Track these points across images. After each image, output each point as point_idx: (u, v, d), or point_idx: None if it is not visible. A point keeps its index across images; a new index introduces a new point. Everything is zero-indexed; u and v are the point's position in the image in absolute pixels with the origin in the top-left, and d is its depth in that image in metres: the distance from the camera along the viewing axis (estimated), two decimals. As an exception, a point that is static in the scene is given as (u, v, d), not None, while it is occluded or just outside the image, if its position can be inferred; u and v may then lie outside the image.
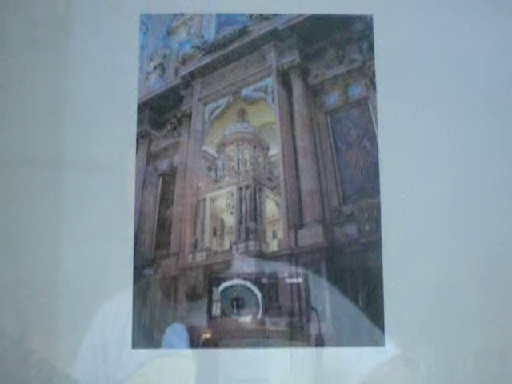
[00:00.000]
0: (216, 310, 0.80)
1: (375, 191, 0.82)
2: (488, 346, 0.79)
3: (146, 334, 0.79)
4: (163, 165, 0.88)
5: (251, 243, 0.82)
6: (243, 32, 0.89)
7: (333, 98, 0.87)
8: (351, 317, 0.79)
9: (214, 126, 0.89)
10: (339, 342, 0.79)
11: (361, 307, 0.79)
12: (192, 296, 0.81)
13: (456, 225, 0.82)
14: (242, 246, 0.82)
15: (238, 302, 0.80)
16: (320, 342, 0.78)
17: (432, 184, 0.83)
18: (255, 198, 0.85)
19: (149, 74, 0.88)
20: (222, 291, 0.80)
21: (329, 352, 0.78)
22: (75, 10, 0.86)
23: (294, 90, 0.87)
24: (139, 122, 0.85)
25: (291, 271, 0.81)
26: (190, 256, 0.83)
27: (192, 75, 0.90)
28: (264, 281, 0.80)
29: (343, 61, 0.86)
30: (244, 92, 0.88)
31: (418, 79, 0.85)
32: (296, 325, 0.79)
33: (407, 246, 0.81)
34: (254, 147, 0.88)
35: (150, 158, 0.87)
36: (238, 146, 0.89)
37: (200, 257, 0.83)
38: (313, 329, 0.79)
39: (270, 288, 0.80)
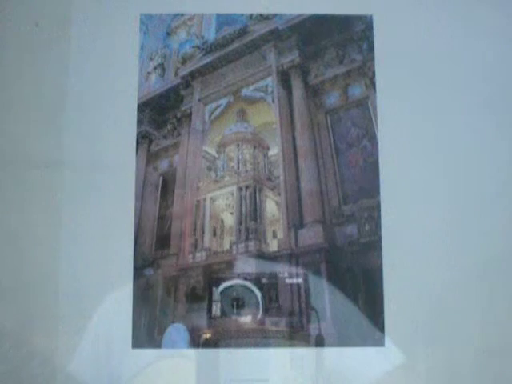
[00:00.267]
0: (216, 310, 0.80)
1: (375, 191, 0.82)
2: (488, 345, 0.79)
3: (146, 334, 0.79)
4: (163, 165, 0.88)
5: (251, 243, 0.82)
6: (243, 32, 0.89)
7: (333, 98, 0.87)
8: (351, 317, 0.79)
9: (213, 126, 0.89)
10: (339, 342, 0.79)
11: (361, 307, 0.79)
12: (192, 296, 0.81)
13: (456, 225, 0.82)
14: (241, 246, 0.82)
15: (237, 302, 0.80)
16: (320, 342, 0.78)
17: (432, 184, 0.83)
18: (255, 198, 0.85)
19: (149, 74, 0.88)
20: (222, 291, 0.80)
21: (329, 352, 0.78)
22: (75, 10, 0.86)
23: (293, 90, 0.87)
24: (139, 122, 0.85)
25: (291, 271, 0.81)
26: (190, 256, 0.83)
27: (192, 75, 0.90)
28: (264, 281, 0.80)
29: (343, 61, 0.86)
30: (244, 92, 0.88)
31: (418, 79, 0.85)
32: (296, 325, 0.79)
33: (407, 246, 0.81)
34: (254, 147, 0.88)
35: (149, 158, 0.87)
36: (238, 146, 0.89)
37: (200, 257, 0.83)
38: (313, 329, 0.79)
39: (270, 288, 0.80)
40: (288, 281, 0.80)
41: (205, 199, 0.86)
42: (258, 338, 0.79)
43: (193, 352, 0.79)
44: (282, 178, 0.84)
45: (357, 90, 0.86)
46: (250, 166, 0.88)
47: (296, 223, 0.83)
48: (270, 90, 0.88)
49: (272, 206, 0.85)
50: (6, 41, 0.85)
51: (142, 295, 0.80)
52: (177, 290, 0.81)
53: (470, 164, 0.83)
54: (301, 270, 0.80)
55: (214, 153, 0.88)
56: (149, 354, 0.79)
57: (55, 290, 0.79)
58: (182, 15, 0.88)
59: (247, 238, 0.83)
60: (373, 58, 0.85)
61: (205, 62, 0.90)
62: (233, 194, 0.87)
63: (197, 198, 0.86)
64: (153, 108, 0.86)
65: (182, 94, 0.89)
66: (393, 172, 0.83)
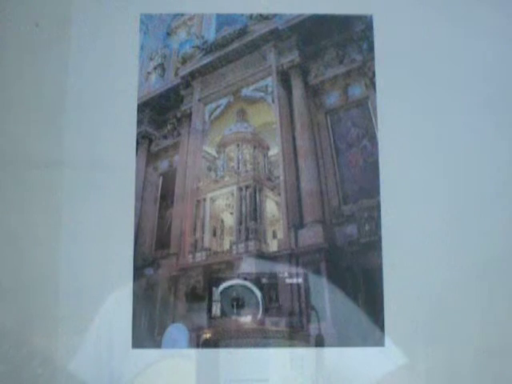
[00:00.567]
0: (216, 310, 0.80)
1: (375, 191, 0.82)
2: (488, 345, 0.79)
3: (146, 334, 0.79)
4: (163, 165, 0.88)
5: (251, 243, 0.82)
6: (243, 32, 0.89)
7: (333, 98, 0.87)
8: (351, 317, 0.79)
9: (213, 126, 0.89)
10: (339, 342, 0.79)
11: (361, 307, 0.79)
12: (192, 296, 0.81)
13: (456, 225, 0.82)
14: (241, 246, 0.82)
15: (237, 302, 0.80)
16: (320, 342, 0.78)
17: (432, 184, 0.83)
18: (255, 198, 0.85)
19: (149, 74, 0.88)
20: (222, 291, 0.80)
21: (329, 352, 0.78)
22: (75, 10, 0.86)
23: (293, 90, 0.87)
24: (139, 122, 0.85)
25: (291, 271, 0.81)
26: (190, 256, 0.83)
27: (192, 75, 0.90)
28: (264, 281, 0.80)
29: (343, 61, 0.86)
30: (244, 92, 0.88)
31: (418, 79, 0.85)
32: (296, 325, 0.79)
33: (407, 246, 0.81)
34: (254, 147, 0.88)
35: (149, 158, 0.87)
36: (238, 146, 0.89)
37: (200, 257, 0.83)
38: (313, 329, 0.79)
39: (270, 288, 0.80)
40: (288, 281, 0.80)
41: (205, 199, 0.86)
42: (258, 338, 0.79)
43: (193, 352, 0.79)
44: (281, 178, 0.84)
45: (357, 90, 0.86)
46: (250, 166, 0.88)
47: (296, 223, 0.83)
48: (269, 89, 0.88)
49: (272, 206, 0.85)
50: (6, 41, 0.85)
51: (142, 295, 0.80)
52: (177, 290, 0.81)
53: (470, 164, 0.83)
54: (301, 270, 0.80)
55: (214, 153, 0.88)
56: (149, 353, 0.79)
57: (55, 290, 0.79)
58: (182, 15, 0.88)
59: (247, 238, 0.83)
60: (373, 58, 0.85)
61: (205, 62, 0.90)
62: (233, 194, 0.87)
63: (197, 198, 0.86)
64: (153, 108, 0.86)
65: (182, 94, 0.89)
66: (393, 172, 0.83)
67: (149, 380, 0.79)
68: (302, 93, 0.87)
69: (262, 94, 0.88)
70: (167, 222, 0.85)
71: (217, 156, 0.88)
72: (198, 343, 0.79)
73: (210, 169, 0.88)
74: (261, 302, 0.80)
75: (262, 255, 0.82)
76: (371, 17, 0.86)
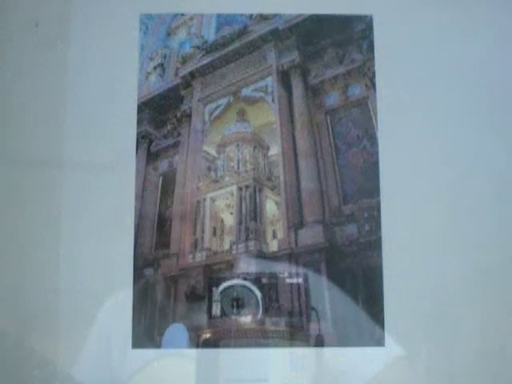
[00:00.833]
0: (216, 310, 0.80)
1: (375, 191, 0.82)
2: (488, 345, 0.79)
3: (146, 334, 0.79)
4: (163, 165, 0.88)
5: (251, 243, 0.82)
6: (243, 32, 0.89)
7: (333, 98, 0.87)
8: (351, 317, 0.79)
9: (213, 126, 0.89)
10: (339, 342, 0.79)
11: (361, 307, 0.79)
12: (192, 296, 0.80)
13: (456, 224, 0.82)
14: (241, 246, 0.82)
15: (237, 302, 0.80)
16: (320, 342, 0.78)
17: (432, 184, 0.83)
18: (255, 198, 0.85)
19: (149, 74, 0.88)
20: (222, 291, 0.80)
21: (328, 352, 0.78)
22: (75, 10, 0.86)
23: (293, 90, 0.87)
24: (139, 121, 0.85)
25: (291, 271, 0.81)
26: (190, 256, 0.83)
27: (192, 75, 0.90)
28: (264, 281, 0.80)
29: (343, 61, 0.86)
30: (244, 92, 0.88)
31: (418, 79, 0.85)
32: (296, 325, 0.79)
33: (407, 246, 0.81)
34: (254, 147, 0.88)
35: (149, 158, 0.87)
36: (237, 146, 0.89)
37: (200, 257, 0.83)
38: (313, 329, 0.79)
39: (270, 288, 0.80)
40: (288, 281, 0.80)
41: (205, 199, 0.86)
42: (258, 338, 0.79)
43: (193, 352, 0.79)
44: (281, 178, 0.84)
45: (357, 90, 0.86)
46: (250, 166, 0.88)
47: (296, 223, 0.83)
48: (269, 89, 0.88)
49: (272, 206, 0.85)
50: (6, 41, 0.85)
51: (142, 295, 0.80)
52: (177, 290, 0.81)
53: (470, 164, 0.83)
54: (301, 270, 0.80)
55: (213, 153, 0.88)
56: (149, 353, 0.79)
57: (55, 289, 0.79)
58: (182, 15, 0.88)
59: (247, 238, 0.83)
60: (373, 58, 0.85)
61: (205, 61, 0.90)
62: (233, 194, 0.87)
63: (197, 198, 0.86)
64: (153, 108, 0.86)
65: (182, 94, 0.89)
66: (393, 172, 0.83)
67: (149, 380, 0.79)
68: (302, 93, 0.87)
69: (262, 93, 0.88)
70: (167, 222, 0.85)
71: (217, 156, 0.88)
72: (198, 343, 0.79)
73: (209, 169, 0.88)
74: (261, 302, 0.80)
75: (262, 255, 0.82)
76: (371, 17, 0.86)
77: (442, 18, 0.86)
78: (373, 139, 0.84)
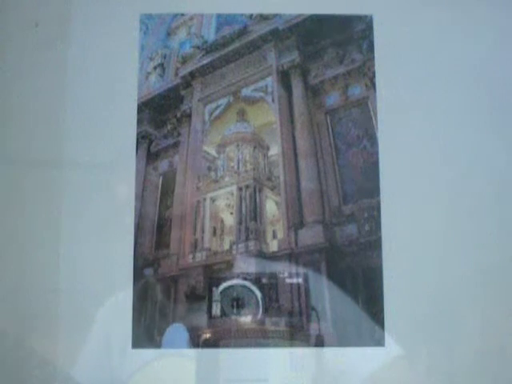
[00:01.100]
0: (216, 310, 0.80)
1: (375, 191, 0.82)
2: (488, 345, 0.79)
3: (146, 334, 0.79)
4: (163, 165, 0.88)
5: (251, 243, 0.82)
6: (243, 32, 0.89)
7: (333, 98, 0.87)
8: (351, 317, 0.79)
9: (213, 126, 0.89)
10: (339, 342, 0.79)
11: (361, 307, 0.79)
12: (192, 296, 0.80)
13: (456, 224, 0.82)
14: (241, 246, 0.82)
15: (237, 302, 0.80)
16: (320, 342, 0.78)
17: (432, 184, 0.83)
18: (255, 198, 0.85)
19: (149, 74, 0.88)
20: (222, 291, 0.80)
21: (328, 352, 0.78)
22: (75, 10, 0.86)
23: (293, 90, 0.87)
24: (139, 121, 0.85)
25: (291, 271, 0.81)
26: (190, 256, 0.83)
27: (192, 75, 0.90)
28: (264, 281, 0.80)
29: (343, 61, 0.86)
30: (244, 92, 0.88)
31: (418, 79, 0.85)
32: (296, 325, 0.79)
33: (407, 246, 0.81)
34: (254, 147, 0.88)
35: (149, 158, 0.87)
36: (237, 146, 0.89)
37: (200, 257, 0.83)
38: (313, 329, 0.79)
39: (270, 288, 0.80)
40: (288, 281, 0.80)
41: (205, 199, 0.86)
42: (258, 338, 0.79)
43: (193, 352, 0.79)
44: (281, 178, 0.84)
45: (357, 90, 0.86)
46: (250, 166, 0.88)
47: (296, 223, 0.83)
48: (269, 89, 0.88)
49: (272, 206, 0.85)
50: (6, 41, 0.85)
51: (142, 295, 0.80)
52: (177, 290, 0.81)
53: (471, 164, 0.83)
54: (301, 270, 0.80)
55: (213, 153, 0.88)
56: (149, 353, 0.79)
57: (55, 289, 0.79)
58: (182, 15, 0.88)
59: (247, 238, 0.83)
60: (373, 58, 0.85)
61: (205, 61, 0.90)
62: (233, 194, 0.87)
63: (197, 198, 0.86)
64: (153, 108, 0.86)
65: (182, 94, 0.89)
66: (393, 172, 0.83)
67: (149, 380, 0.79)
68: (302, 93, 0.87)
69: (262, 93, 0.88)
70: (167, 222, 0.85)
71: (217, 156, 0.88)
72: (198, 343, 0.79)
73: (209, 169, 0.88)
74: (261, 302, 0.80)
75: (261, 255, 0.82)
76: (371, 17, 0.86)
77: (442, 18, 0.86)
78: (373, 139, 0.84)
